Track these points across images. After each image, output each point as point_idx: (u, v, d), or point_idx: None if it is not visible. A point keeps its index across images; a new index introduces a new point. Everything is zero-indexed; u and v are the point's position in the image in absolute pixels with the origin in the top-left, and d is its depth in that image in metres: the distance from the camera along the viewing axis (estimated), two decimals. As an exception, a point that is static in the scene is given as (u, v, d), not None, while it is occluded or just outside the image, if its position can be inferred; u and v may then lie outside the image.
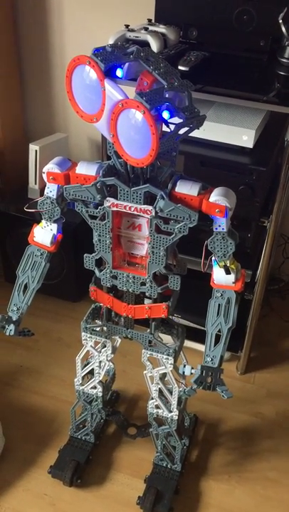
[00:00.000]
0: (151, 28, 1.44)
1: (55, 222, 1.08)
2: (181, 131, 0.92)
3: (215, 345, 1.06)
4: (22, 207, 1.13)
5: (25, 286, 1.13)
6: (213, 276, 1.06)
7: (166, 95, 0.89)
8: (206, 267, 1.04)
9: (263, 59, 1.42)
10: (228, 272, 1.03)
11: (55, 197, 1.05)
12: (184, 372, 1.08)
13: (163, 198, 0.95)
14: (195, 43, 1.47)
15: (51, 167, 1.02)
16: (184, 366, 1.08)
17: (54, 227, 1.09)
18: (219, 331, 1.06)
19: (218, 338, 1.06)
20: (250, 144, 1.32)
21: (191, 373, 1.07)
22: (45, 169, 1.03)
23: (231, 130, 1.32)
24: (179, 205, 0.95)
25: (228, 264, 1.03)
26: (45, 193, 1.05)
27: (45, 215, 1.08)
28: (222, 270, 1.03)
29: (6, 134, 1.92)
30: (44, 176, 1.03)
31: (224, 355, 1.06)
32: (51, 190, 1.04)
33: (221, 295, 1.06)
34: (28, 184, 1.86)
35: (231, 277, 1.04)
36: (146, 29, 1.43)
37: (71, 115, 1.93)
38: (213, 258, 1.04)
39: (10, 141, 1.94)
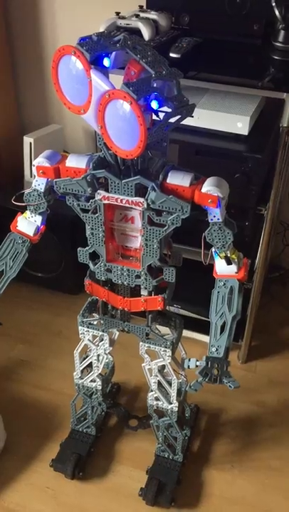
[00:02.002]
0: (142, 14, 1.41)
1: (40, 214, 1.08)
2: (172, 121, 0.90)
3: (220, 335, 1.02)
4: (17, 200, 1.12)
5: (1, 273, 1.11)
6: (216, 267, 1.04)
7: (154, 84, 0.87)
8: (208, 259, 1.02)
9: (257, 44, 1.39)
10: (229, 263, 1.02)
11: (42, 190, 1.03)
12: (188, 366, 1.03)
13: (154, 190, 0.94)
14: (187, 28, 1.45)
15: (41, 161, 1.00)
16: (189, 360, 1.03)
17: (38, 219, 1.08)
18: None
19: (223, 328, 1.02)
20: (245, 131, 1.30)
21: (197, 366, 1.02)
22: (35, 163, 1.01)
23: (226, 117, 1.30)
24: (170, 196, 0.93)
25: (228, 255, 1.01)
26: (32, 185, 1.04)
27: (30, 206, 1.07)
28: (223, 261, 1.02)
29: (-1, 127, 1.91)
30: (34, 169, 1.02)
31: (230, 346, 1.02)
32: (40, 183, 1.03)
33: (224, 284, 1.03)
34: (24, 177, 1.85)
35: (233, 267, 1.02)
36: (137, 16, 1.40)
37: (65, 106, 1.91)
38: (213, 250, 1.02)
39: (4, 134, 1.93)
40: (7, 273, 1.10)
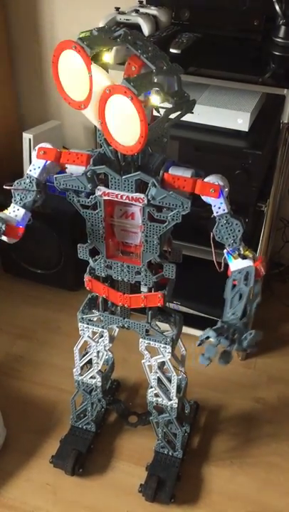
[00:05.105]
0: (142, 10, 1.41)
1: (23, 207, 1.00)
2: (172, 117, 0.90)
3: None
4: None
5: None
6: (230, 268, 0.97)
7: (155, 80, 0.86)
8: (222, 266, 0.96)
9: (257, 39, 1.39)
10: (244, 258, 0.96)
11: (36, 176, 0.98)
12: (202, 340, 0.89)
13: (155, 186, 0.93)
14: (187, 24, 1.44)
15: (44, 144, 0.98)
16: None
17: (20, 213, 1.00)
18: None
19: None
20: (245, 128, 1.30)
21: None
22: (37, 146, 0.98)
23: (226, 113, 1.30)
24: (171, 192, 0.93)
25: (242, 252, 0.96)
26: (27, 171, 0.99)
27: (17, 196, 1.00)
28: (238, 260, 0.96)
29: (-2, 123, 1.90)
30: (34, 153, 0.98)
31: (251, 316, 0.89)
32: (36, 167, 0.98)
33: (239, 272, 0.95)
34: (23, 174, 1.84)
35: (249, 261, 0.96)
36: (137, 11, 1.39)
37: (65, 102, 1.90)
38: (225, 252, 0.97)
39: (3, 130, 1.92)
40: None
